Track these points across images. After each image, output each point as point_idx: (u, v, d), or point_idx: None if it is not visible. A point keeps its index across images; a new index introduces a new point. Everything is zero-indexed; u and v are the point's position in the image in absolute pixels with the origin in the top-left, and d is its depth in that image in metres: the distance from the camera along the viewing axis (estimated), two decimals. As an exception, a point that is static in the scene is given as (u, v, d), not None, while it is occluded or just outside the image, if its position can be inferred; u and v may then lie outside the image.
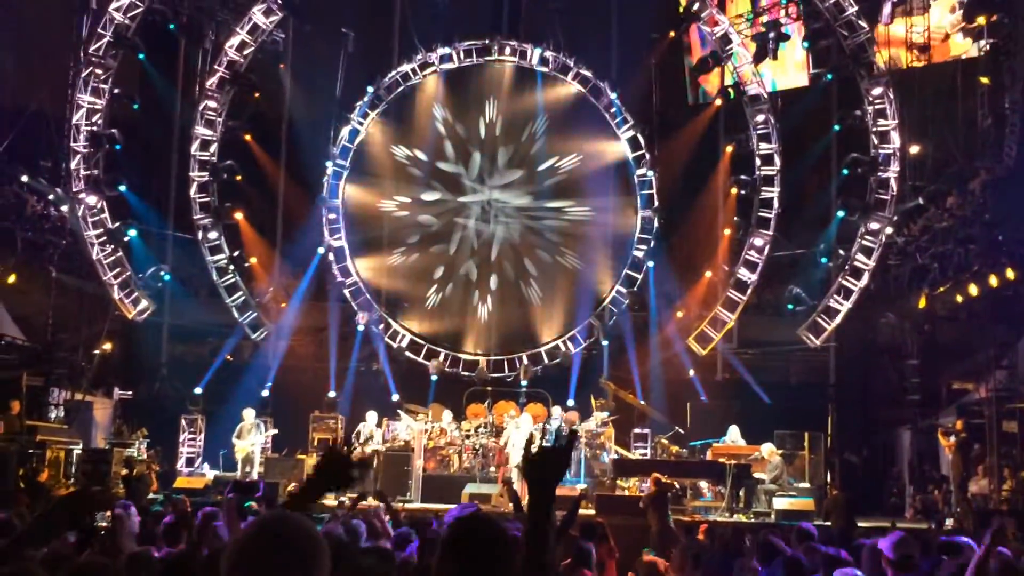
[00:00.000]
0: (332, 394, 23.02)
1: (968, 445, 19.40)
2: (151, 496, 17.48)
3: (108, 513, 6.17)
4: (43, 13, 22.17)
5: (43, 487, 16.88)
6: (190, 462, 21.81)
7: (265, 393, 22.73)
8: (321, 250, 23.72)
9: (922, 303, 20.64)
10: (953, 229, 19.85)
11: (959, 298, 19.50)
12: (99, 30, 21.78)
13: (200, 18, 23.34)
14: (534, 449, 3.73)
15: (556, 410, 21.48)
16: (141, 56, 22.52)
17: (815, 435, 20.44)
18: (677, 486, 18.77)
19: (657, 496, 16.13)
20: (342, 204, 24.20)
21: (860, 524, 17.07)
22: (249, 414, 20.62)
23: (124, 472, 19.53)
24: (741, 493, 18.65)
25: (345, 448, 3.91)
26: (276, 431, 21.16)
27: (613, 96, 23.75)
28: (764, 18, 23.59)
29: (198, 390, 22.59)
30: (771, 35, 22.88)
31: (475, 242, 24.76)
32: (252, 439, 20.44)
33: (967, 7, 21.71)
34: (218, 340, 23.49)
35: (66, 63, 22.42)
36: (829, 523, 16.93)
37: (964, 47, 22.52)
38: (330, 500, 14.03)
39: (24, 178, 20.82)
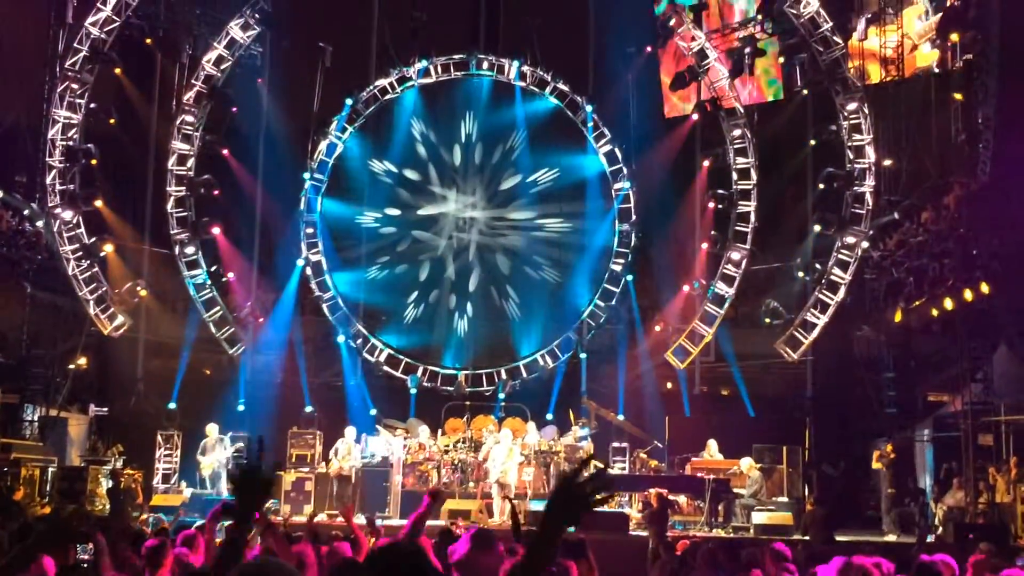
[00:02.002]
0: (309, 409, 22.93)
1: (897, 466, 20.25)
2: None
3: (89, 545, 6.10)
4: (19, 27, 21.98)
5: (18, 506, 16.71)
6: (166, 479, 21.64)
7: (240, 408, 22.63)
8: (301, 262, 23.67)
9: (898, 317, 20.77)
10: (928, 243, 19.98)
11: (934, 312, 19.62)
12: (75, 44, 21.65)
13: (177, 32, 23.26)
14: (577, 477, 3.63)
15: (531, 425, 21.49)
16: (118, 71, 22.39)
17: (793, 448, 20.51)
18: (682, 500, 18.89)
19: (658, 513, 16.15)
20: (320, 218, 24.18)
21: (838, 538, 17.15)
22: (212, 429, 20.50)
23: (110, 485, 19.45)
24: (720, 508, 18.70)
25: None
26: (242, 444, 21.07)
27: (590, 110, 23.87)
28: (740, 33, 23.74)
29: (172, 405, 22.46)
30: (747, 50, 23.04)
31: (453, 256, 24.79)
32: (217, 455, 20.31)
33: (940, 23, 21.90)
34: (195, 356, 23.32)
35: (42, 78, 22.27)
36: (807, 537, 17.01)
37: (931, 57, 22.71)
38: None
39: (-1, 193, 20.69)
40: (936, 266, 19.75)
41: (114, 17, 21.81)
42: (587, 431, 21.27)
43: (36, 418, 21.86)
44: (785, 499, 19.50)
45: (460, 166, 24.81)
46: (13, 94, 21.80)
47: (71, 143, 21.77)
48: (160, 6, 22.56)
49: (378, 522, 12.99)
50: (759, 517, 18.33)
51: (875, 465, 20.63)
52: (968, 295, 18.51)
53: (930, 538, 17.50)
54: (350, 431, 20.67)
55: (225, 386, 22.98)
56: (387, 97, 24.34)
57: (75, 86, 21.71)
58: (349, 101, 23.96)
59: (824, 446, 22.06)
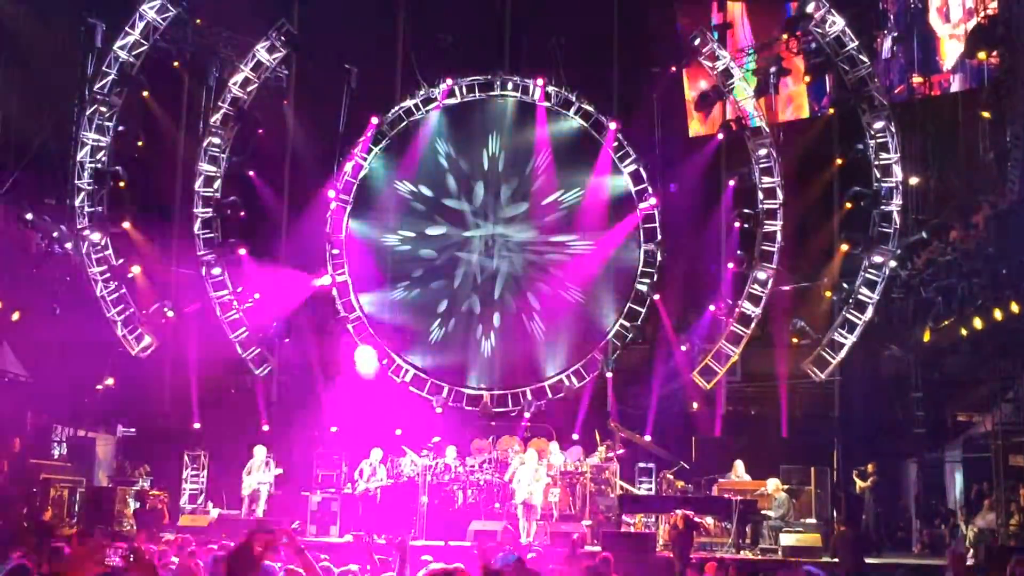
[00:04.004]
0: (334, 429, 22.97)
1: (879, 487, 20.48)
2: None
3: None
4: (49, 51, 22.22)
5: (47, 526, 16.80)
6: (193, 499, 21.71)
7: (265, 428, 22.68)
8: (326, 282, 23.76)
9: (926, 336, 20.58)
10: (956, 263, 19.82)
11: (963, 331, 19.45)
12: (104, 68, 21.88)
13: (204, 55, 23.44)
14: None
15: (554, 446, 21.44)
16: (145, 93, 22.57)
17: (821, 470, 20.33)
18: (709, 522, 18.77)
19: (684, 534, 16.08)
20: (345, 239, 24.29)
21: (868, 560, 16.99)
22: (260, 451, 20.61)
23: (136, 506, 19.56)
24: (747, 529, 18.56)
25: None
26: (281, 471, 21.08)
27: (614, 129, 23.87)
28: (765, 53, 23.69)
29: (197, 425, 22.55)
30: (772, 70, 22.99)
31: (478, 276, 24.80)
32: (260, 476, 20.38)
33: (968, 41, 21.79)
34: (221, 376, 23.38)
35: (71, 101, 22.49)
36: (837, 560, 16.85)
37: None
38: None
39: (29, 215, 20.88)
40: (965, 285, 19.58)
41: (142, 41, 22.03)
42: (612, 455, 21.24)
43: (64, 438, 22.00)
44: (814, 520, 19.32)
45: (485, 186, 24.83)
46: (43, 117, 22.01)
47: (99, 165, 21.97)
48: (187, 30, 22.73)
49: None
50: (787, 539, 18.20)
51: (859, 485, 20.52)
52: (997, 314, 18.35)
53: (970, 561, 17.30)
54: (376, 452, 20.70)
55: (250, 406, 23.02)
56: (412, 118, 24.45)
57: (104, 109, 21.92)
58: (374, 121, 24.07)
59: (852, 467, 21.87)
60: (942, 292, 20.27)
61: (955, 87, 22.88)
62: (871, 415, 23.07)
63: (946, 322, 20.15)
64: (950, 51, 23.08)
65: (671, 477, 20.69)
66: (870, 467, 20.61)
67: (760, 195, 22.67)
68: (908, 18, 23.32)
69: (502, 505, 20.06)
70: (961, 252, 19.80)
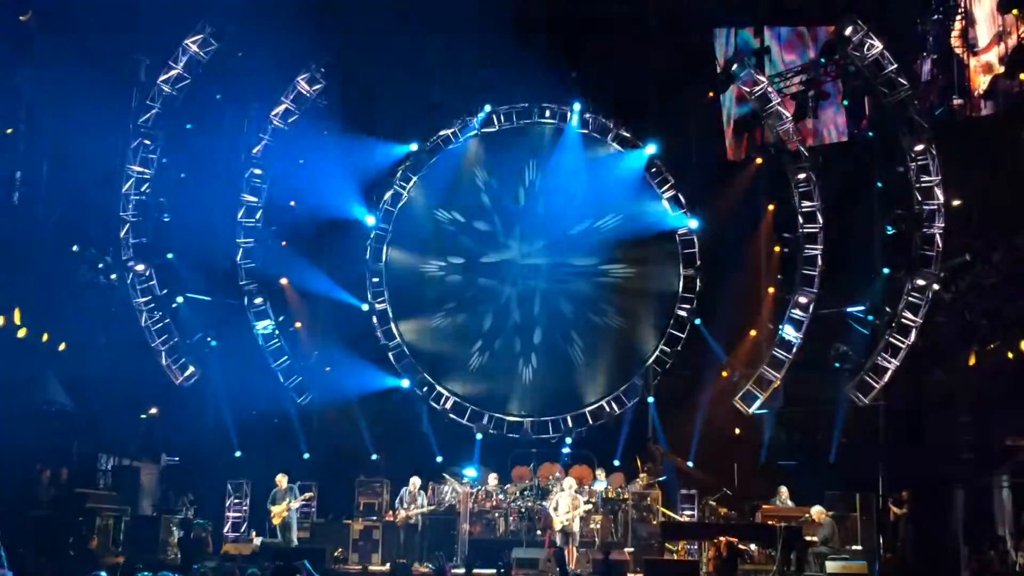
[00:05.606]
0: (375, 457, 23.07)
1: (923, 514, 20.04)
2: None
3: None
4: (94, 84, 22.55)
5: (93, 555, 16.96)
6: (236, 527, 21.86)
7: (306, 457, 22.80)
8: (364, 307, 23.95)
9: (972, 360, 20.33)
10: (1001, 285, 19.59)
11: (1010, 354, 19.20)
12: (148, 102, 22.22)
13: (246, 88, 23.67)
14: None
15: (599, 473, 21.41)
16: (188, 127, 22.86)
17: (866, 496, 20.08)
18: (754, 548, 18.60)
19: (727, 562, 15.98)
20: (385, 267, 24.47)
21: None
22: (282, 479, 20.70)
23: (180, 535, 19.69)
24: (792, 556, 18.35)
25: None
26: (311, 494, 21.13)
27: (652, 153, 23.89)
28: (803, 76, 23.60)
29: (238, 453, 22.69)
30: (810, 93, 22.90)
31: (517, 303, 24.80)
32: (287, 504, 20.42)
33: (1008, 62, 21.61)
34: (265, 405, 23.49)
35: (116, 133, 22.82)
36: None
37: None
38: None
39: (74, 247, 21.24)
40: (1010, 307, 19.36)
41: (185, 75, 22.34)
42: (653, 478, 21.13)
43: (109, 467, 22.23)
44: (859, 547, 19.09)
45: (523, 213, 24.89)
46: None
47: (144, 197, 22.29)
48: (230, 63, 22.99)
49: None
50: (833, 566, 17.97)
51: (895, 512, 20.23)
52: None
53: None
54: (415, 479, 20.75)
55: (291, 435, 23.13)
56: (450, 146, 24.61)
57: (148, 142, 22.26)
58: (413, 148, 24.28)
59: (898, 493, 21.56)
60: (987, 315, 20.04)
61: (984, 112, 22.59)
62: (916, 440, 22.78)
63: (991, 345, 19.92)
64: (981, 79, 22.85)
65: (714, 503, 20.54)
66: (904, 494, 20.32)
67: (800, 219, 22.58)
68: (945, 41, 23.11)
69: (543, 533, 20.01)
70: (1005, 274, 19.58)
